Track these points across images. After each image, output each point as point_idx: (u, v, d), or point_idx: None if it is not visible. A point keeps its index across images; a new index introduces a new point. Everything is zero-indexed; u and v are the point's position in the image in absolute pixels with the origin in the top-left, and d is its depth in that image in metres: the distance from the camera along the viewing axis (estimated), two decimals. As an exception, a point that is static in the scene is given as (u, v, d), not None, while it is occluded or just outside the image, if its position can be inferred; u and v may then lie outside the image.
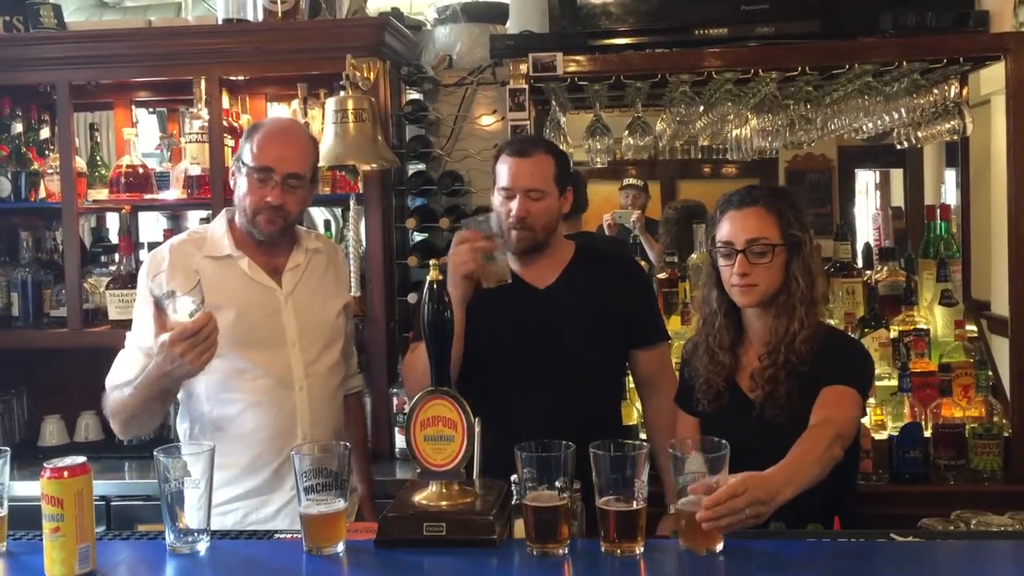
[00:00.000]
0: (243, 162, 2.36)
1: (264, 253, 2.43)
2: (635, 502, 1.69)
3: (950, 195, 5.26)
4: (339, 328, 2.55)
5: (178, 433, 2.50)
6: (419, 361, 2.34)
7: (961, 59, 3.13)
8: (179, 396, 2.41)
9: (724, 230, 2.28)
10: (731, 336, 2.32)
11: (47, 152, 3.61)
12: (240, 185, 2.37)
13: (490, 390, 2.31)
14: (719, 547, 1.73)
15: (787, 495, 1.81)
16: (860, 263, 3.79)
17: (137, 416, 2.25)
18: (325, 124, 3.02)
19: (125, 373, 2.30)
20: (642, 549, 1.70)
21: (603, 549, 1.70)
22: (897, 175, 7.25)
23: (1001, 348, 3.32)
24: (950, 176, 5.29)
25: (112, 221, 3.90)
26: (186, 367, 2.04)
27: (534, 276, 2.52)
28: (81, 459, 1.70)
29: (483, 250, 2.28)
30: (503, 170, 2.47)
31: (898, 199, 7.13)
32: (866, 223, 7.33)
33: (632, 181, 5.51)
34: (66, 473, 1.66)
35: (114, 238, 3.74)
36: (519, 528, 1.79)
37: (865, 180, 7.73)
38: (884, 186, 7.64)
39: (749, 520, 1.71)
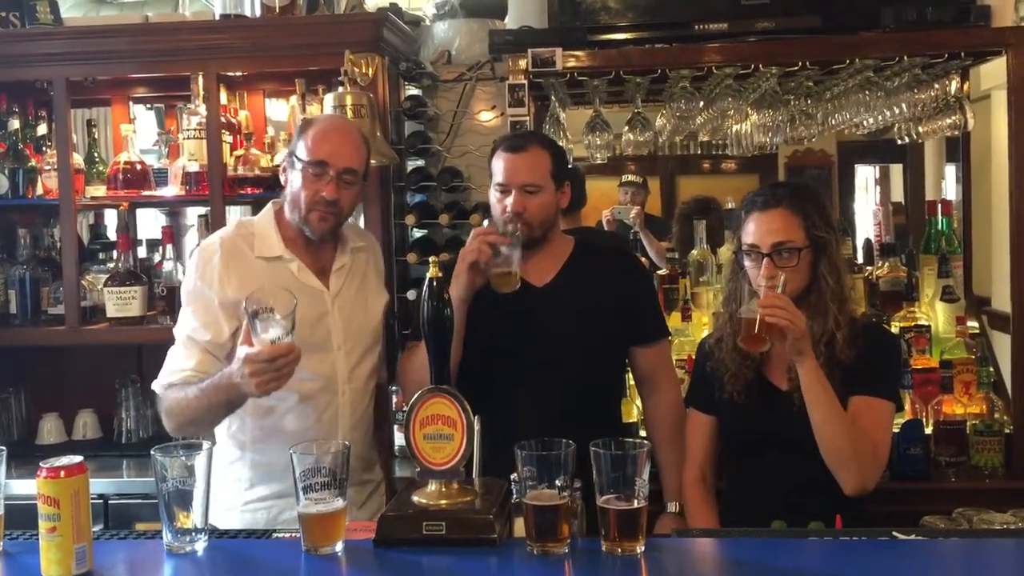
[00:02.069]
0: (297, 157, 2.33)
1: (312, 252, 2.41)
2: (636, 501, 1.67)
3: (950, 190, 5.25)
4: (380, 330, 2.55)
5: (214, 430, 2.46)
6: (414, 363, 2.34)
7: (962, 54, 3.12)
8: None
9: (749, 232, 2.29)
10: None
11: (44, 149, 3.60)
12: (293, 180, 2.34)
13: (490, 389, 2.30)
14: (765, 347, 2.17)
15: (805, 355, 2.15)
16: (860, 259, 3.78)
17: (196, 421, 2.20)
18: (324, 120, 3.00)
19: (181, 368, 2.26)
20: (643, 548, 1.68)
21: (604, 548, 1.69)
22: (897, 170, 7.24)
23: (1002, 344, 3.31)
24: (950, 171, 5.28)
25: (110, 218, 3.88)
26: (251, 388, 2.01)
27: (532, 274, 2.50)
28: (78, 459, 1.68)
29: (493, 243, 2.28)
30: (498, 166, 2.47)
31: (898, 194, 7.12)
32: (865, 219, 7.32)
33: (631, 178, 5.48)
34: (62, 473, 1.64)
35: (112, 235, 3.73)
36: (519, 527, 1.78)
37: (864, 175, 7.71)
38: (884, 181, 7.62)
39: (783, 323, 2.09)
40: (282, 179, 2.41)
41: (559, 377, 2.43)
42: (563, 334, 2.46)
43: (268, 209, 2.46)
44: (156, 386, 2.30)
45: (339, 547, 1.76)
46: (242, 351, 2.01)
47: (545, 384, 2.42)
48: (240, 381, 2.02)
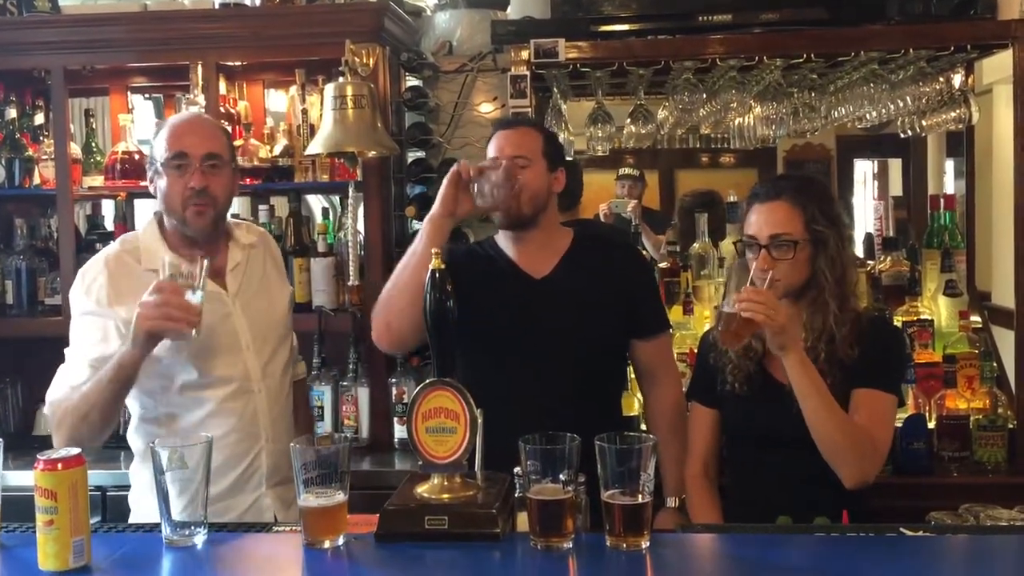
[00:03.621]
0: (157, 161, 2.30)
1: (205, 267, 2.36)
2: (641, 495, 1.66)
3: (949, 184, 5.25)
4: (288, 323, 2.54)
5: (133, 452, 2.44)
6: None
7: (968, 47, 3.09)
8: (134, 411, 2.36)
9: (749, 223, 2.28)
10: None
11: (41, 138, 3.57)
12: (161, 185, 2.30)
13: (489, 381, 2.25)
14: (742, 343, 2.18)
15: (788, 349, 2.10)
16: (861, 253, 3.76)
17: (87, 413, 2.12)
18: (324, 110, 2.98)
19: (71, 383, 2.20)
20: (648, 543, 1.66)
21: (608, 543, 1.67)
22: (895, 165, 7.24)
23: (1002, 339, 3.30)
24: (949, 166, 5.28)
25: (107, 208, 3.86)
26: (138, 326, 2.01)
27: (530, 265, 2.47)
28: (75, 451, 1.66)
29: (481, 169, 2.34)
30: (491, 145, 2.48)
31: (896, 189, 7.13)
32: (864, 213, 7.33)
33: (628, 171, 5.46)
34: (60, 465, 1.62)
35: (109, 225, 3.71)
36: (522, 521, 1.76)
37: (863, 170, 7.71)
38: (882, 176, 7.63)
39: (759, 318, 2.06)
40: (152, 190, 2.36)
41: (558, 369, 2.40)
42: (562, 326, 2.43)
43: (151, 221, 2.41)
44: (47, 406, 2.23)
45: (340, 541, 1.74)
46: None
47: (544, 377, 2.39)
48: (134, 324, 2.03)
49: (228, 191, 2.37)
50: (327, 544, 1.73)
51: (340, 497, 1.74)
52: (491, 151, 2.47)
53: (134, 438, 2.39)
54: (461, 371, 2.14)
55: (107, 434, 2.25)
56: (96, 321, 2.23)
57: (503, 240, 2.53)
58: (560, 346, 2.42)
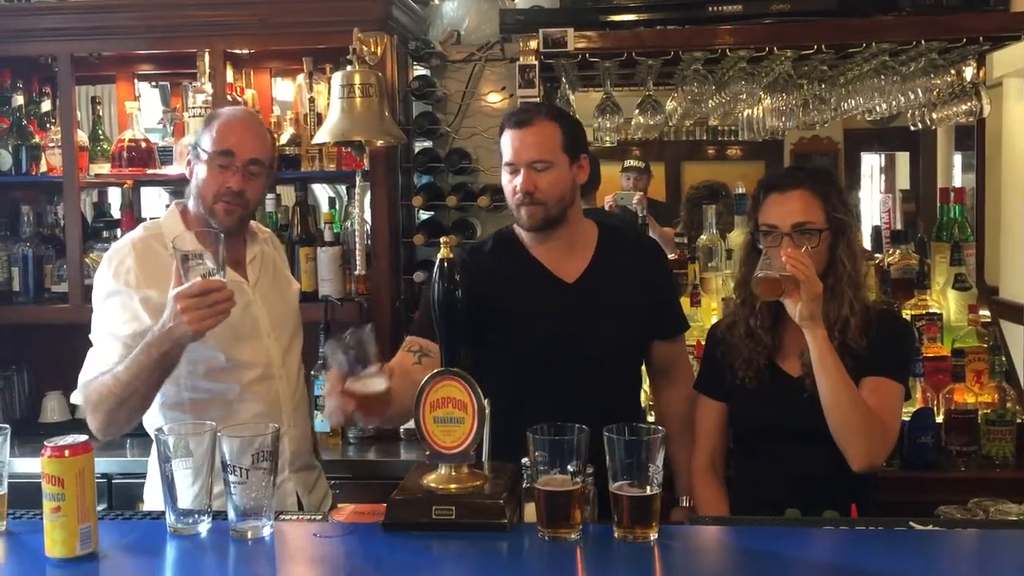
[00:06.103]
0: (202, 149, 2.31)
1: (225, 246, 2.37)
2: (649, 487, 1.65)
3: (957, 178, 5.22)
4: (299, 315, 2.58)
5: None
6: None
7: (980, 39, 3.07)
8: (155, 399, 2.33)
9: (767, 213, 2.26)
10: (772, 316, 2.29)
11: (48, 125, 3.57)
12: (199, 172, 2.32)
13: (520, 384, 2.26)
14: (778, 295, 2.15)
15: (816, 320, 2.12)
16: (869, 246, 3.74)
17: (127, 400, 2.11)
18: (331, 99, 2.97)
19: (104, 364, 2.19)
20: (656, 535, 1.66)
21: (616, 535, 1.67)
22: (903, 158, 7.20)
23: (1011, 333, 3.28)
24: (957, 159, 5.25)
25: (114, 196, 3.86)
26: (184, 327, 1.99)
27: (560, 267, 2.38)
28: (82, 438, 1.66)
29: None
30: (506, 143, 2.32)
31: (903, 182, 7.09)
32: (871, 206, 7.30)
33: (633, 163, 5.43)
34: (67, 452, 1.62)
35: (116, 213, 3.70)
36: (530, 512, 1.75)
37: (870, 163, 7.68)
38: (889, 170, 7.59)
39: (801, 276, 2.09)
40: (187, 172, 2.38)
41: (589, 371, 2.34)
42: (595, 330, 2.36)
43: (172, 210, 2.42)
44: (78, 390, 2.22)
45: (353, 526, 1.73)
46: (172, 292, 2.00)
47: (575, 378, 2.33)
48: (173, 324, 2.00)
49: (261, 196, 2.42)
50: None
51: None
52: (506, 153, 2.32)
53: (153, 425, 2.37)
54: (484, 373, 1.99)
55: (138, 420, 2.25)
56: (124, 300, 2.22)
57: (527, 237, 2.41)
58: (592, 348, 2.35)
